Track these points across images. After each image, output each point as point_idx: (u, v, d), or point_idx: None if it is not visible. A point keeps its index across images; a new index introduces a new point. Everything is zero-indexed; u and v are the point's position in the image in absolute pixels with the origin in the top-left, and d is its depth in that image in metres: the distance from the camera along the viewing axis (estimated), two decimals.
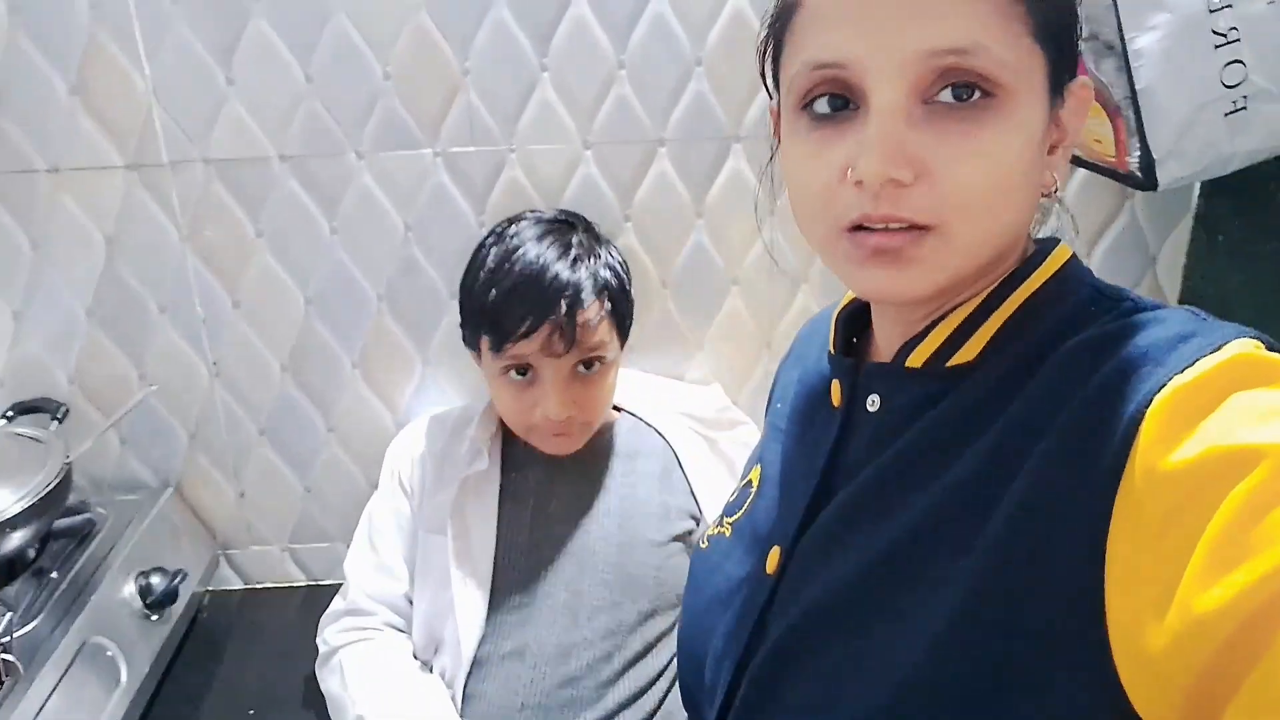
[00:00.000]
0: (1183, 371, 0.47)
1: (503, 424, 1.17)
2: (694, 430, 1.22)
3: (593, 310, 1.05)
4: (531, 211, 1.16)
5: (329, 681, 1.11)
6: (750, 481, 0.74)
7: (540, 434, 1.11)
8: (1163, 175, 0.91)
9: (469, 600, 1.07)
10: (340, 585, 1.16)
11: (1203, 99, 0.87)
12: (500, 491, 1.13)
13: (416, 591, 1.13)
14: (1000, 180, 0.52)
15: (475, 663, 1.05)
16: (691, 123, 1.19)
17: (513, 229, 1.10)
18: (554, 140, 1.20)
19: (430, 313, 1.28)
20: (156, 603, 1.13)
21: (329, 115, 1.18)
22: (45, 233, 1.21)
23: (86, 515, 1.21)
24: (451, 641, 1.06)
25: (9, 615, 1.02)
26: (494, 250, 1.08)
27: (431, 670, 1.09)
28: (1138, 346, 0.50)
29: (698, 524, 1.15)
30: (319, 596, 1.24)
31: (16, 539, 1.05)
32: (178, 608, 1.19)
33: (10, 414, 1.23)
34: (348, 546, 1.18)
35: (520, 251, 1.06)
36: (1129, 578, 0.46)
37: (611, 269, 1.10)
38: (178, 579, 1.15)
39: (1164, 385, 0.47)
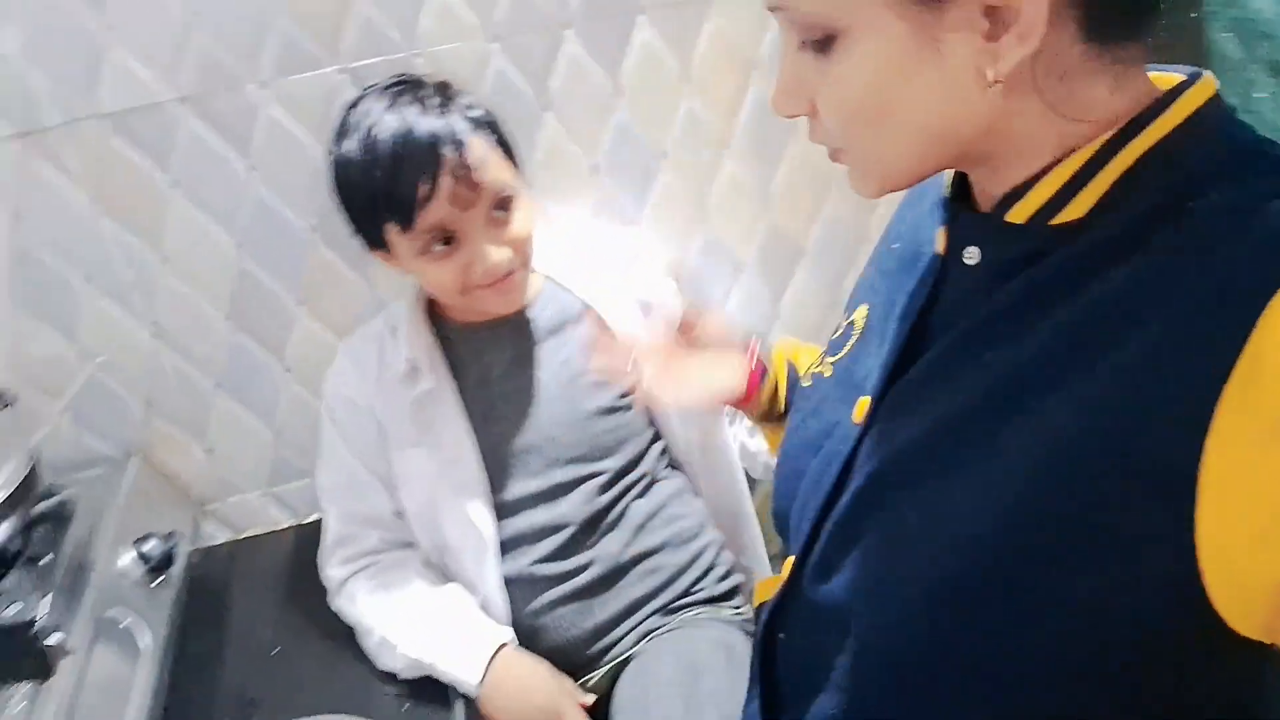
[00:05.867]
0: None
1: (431, 326, 1.14)
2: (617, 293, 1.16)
3: (479, 147, 0.99)
4: (364, 89, 1.05)
5: (346, 612, 1.13)
6: (853, 322, 0.73)
7: (484, 295, 1.05)
8: None
9: (473, 507, 1.10)
10: None
11: None
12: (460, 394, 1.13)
13: (405, 502, 1.14)
14: (863, 106, 0.52)
15: (501, 558, 1.11)
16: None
17: (353, 116, 1.01)
18: (457, 38, 1.17)
19: None
20: (156, 567, 1.13)
21: (220, 47, 1.13)
22: None
23: (59, 498, 1.18)
24: (465, 547, 1.10)
25: (17, 604, 1.01)
26: (350, 142, 0.99)
27: (448, 571, 1.13)
28: None
29: None
30: (310, 532, 1.24)
31: (2, 533, 1.04)
32: (177, 569, 1.19)
33: None
34: None
35: (377, 126, 0.98)
36: (1226, 477, 0.43)
37: (474, 106, 1.04)
38: (172, 541, 1.15)
39: None
